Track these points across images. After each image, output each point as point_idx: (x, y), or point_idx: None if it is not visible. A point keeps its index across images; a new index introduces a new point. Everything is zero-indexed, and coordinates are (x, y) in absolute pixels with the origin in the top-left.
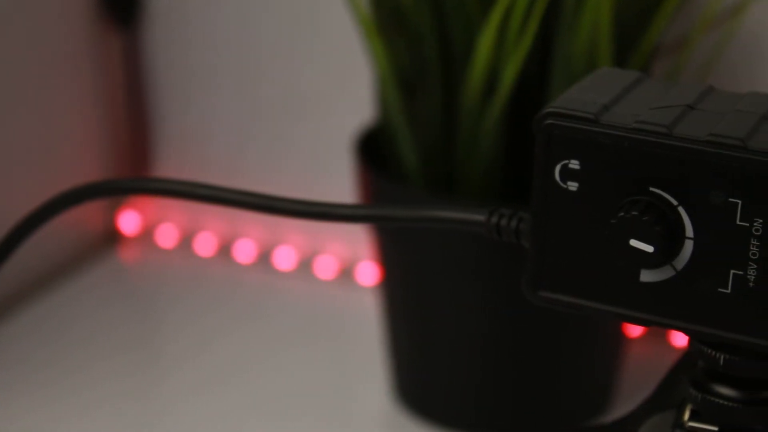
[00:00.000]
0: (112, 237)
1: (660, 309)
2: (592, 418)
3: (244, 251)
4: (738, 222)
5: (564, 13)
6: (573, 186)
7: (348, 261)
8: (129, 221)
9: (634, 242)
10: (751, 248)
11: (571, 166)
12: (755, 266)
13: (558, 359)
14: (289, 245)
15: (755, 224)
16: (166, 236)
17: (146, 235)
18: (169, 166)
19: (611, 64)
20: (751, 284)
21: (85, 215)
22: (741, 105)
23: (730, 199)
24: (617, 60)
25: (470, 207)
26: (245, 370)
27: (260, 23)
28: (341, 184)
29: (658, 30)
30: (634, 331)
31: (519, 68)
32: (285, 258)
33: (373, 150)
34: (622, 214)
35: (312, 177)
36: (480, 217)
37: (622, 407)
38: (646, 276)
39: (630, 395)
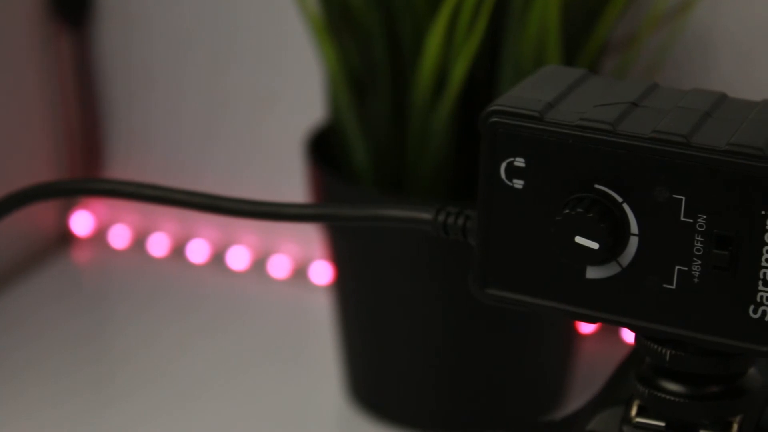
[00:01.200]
0: (64, 238)
1: (606, 305)
2: (545, 414)
3: (198, 252)
4: (682, 218)
5: (512, 11)
6: (518, 184)
7: (302, 260)
8: (81, 222)
9: (579, 239)
10: (696, 244)
11: (516, 163)
12: (699, 262)
13: (511, 357)
14: (243, 245)
15: (699, 220)
16: (119, 237)
17: (99, 235)
18: (122, 167)
19: (560, 61)
20: (695, 280)
21: (37, 216)
22: (684, 102)
23: (674, 196)
24: (566, 58)
25: (417, 205)
26: (197, 370)
27: (212, 24)
28: (297, 184)
29: (606, 28)
30: (587, 327)
31: (468, 66)
32: (239, 258)
33: (325, 149)
34: (567, 211)
35: (268, 176)
36: (427, 216)
37: (575, 404)
38: (592, 273)
39: (583, 392)
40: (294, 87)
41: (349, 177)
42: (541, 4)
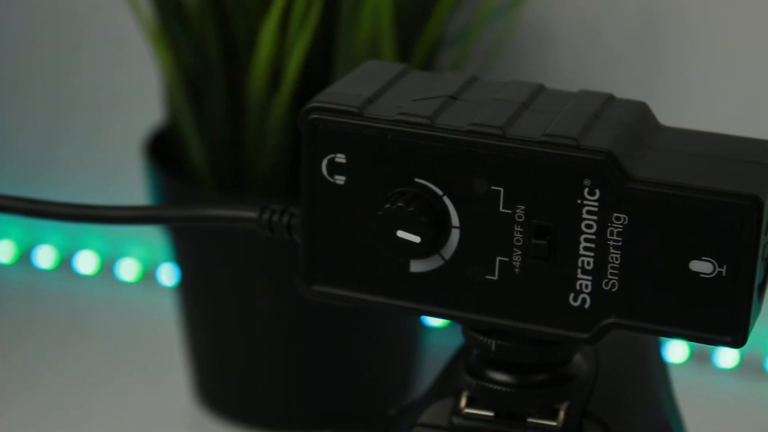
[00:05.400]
0: None
1: (431, 298)
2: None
3: (45, 257)
4: (501, 209)
5: (345, 6)
6: (340, 180)
7: (151, 263)
8: None
9: (400, 233)
10: (515, 235)
11: (337, 160)
12: (519, 252)
13: (355, 354)
14: (90, 250)
15: (518, 211)
16: None
17: None
18: None
19: (394, 55)
20: (516, 270)
21: None
22: (502, 94)
23: (493, 188)
24: (401, 51)
25: (242, 204)
26: (45, 373)
27: (53, 26)
28: (136, 186)
29: (439, 22)
30: (435, 321)
31: (302, 61)
32: (86, 262)
33: (165, 151)
34: (388, 205)
35: (107, 179)
36: (251, 214)
37: None
38: (416, 266)
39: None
40: (134, 88)
41: (188, 178)
42: (373, 0)
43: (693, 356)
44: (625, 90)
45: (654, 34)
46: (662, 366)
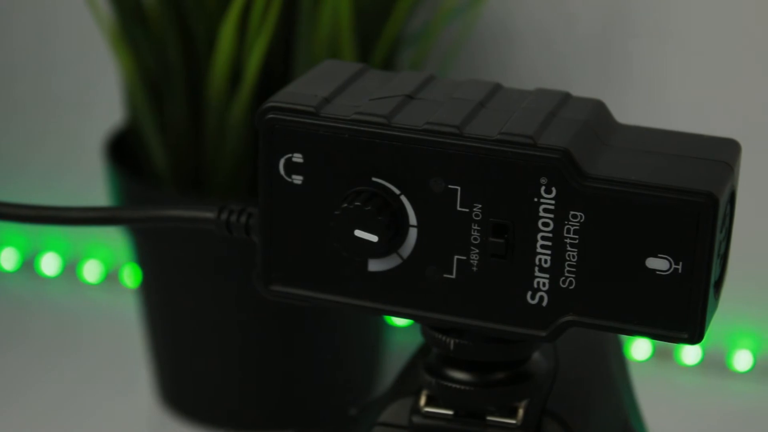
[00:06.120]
0: None
1: (390, 297)
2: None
3: (7, 259)
4: (458, 208)
5: (304, 5)
6: (298, 179)
7: (115, 264)
8: None
9: (358, 233)
10: (473, 233)
11: (294, 159)
12: (477, 251)
13: (314, 353)
14: (53, 251)
15: (475, 209)
16: None
17: None
18: None
19: (354, 54)
20: (474, 269)
21: None
22: (459, 93)
23: (450, 186)
24: (361, 50)
25: (200, 205)
26: (8, 376)
27: (6, 25)
28: (97, 187)
29: (398, 22)
30: (398, 320)
31: (262, 60)
32: (49, 264)
33: (126, 152)
34: (345, 205)
35: (65, 180)
36: (209, 215)
37: None
38: (374, 265)
39: None
40: (95, 90)
41: (149, 179)
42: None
43: (656, 353)
44: (582, 88)
45: (610, 34)
46: (622, 363)
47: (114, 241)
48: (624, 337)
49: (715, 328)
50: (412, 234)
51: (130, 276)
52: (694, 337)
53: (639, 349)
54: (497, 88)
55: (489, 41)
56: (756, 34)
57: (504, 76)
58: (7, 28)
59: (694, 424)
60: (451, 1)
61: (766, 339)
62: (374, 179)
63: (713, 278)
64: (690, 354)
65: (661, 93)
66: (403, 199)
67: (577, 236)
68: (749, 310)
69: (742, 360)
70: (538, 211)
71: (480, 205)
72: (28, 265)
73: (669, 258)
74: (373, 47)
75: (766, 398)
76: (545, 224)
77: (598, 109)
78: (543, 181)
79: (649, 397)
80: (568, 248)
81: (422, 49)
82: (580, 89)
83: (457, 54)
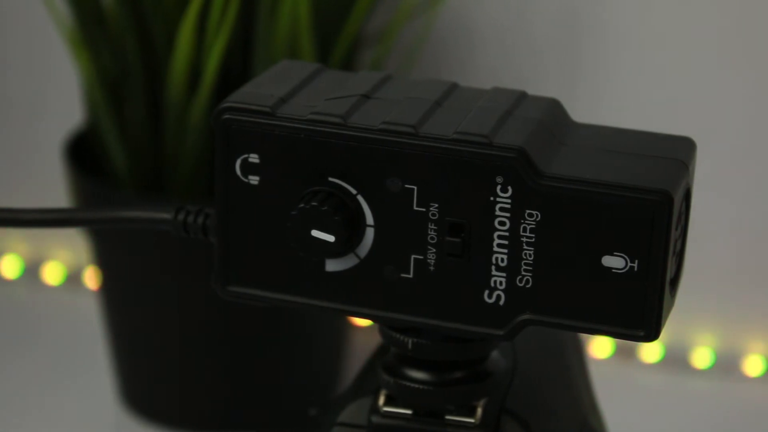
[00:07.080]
0: None
1: (347, 297)
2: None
3: None
4: (415, 207)
5: (263, 4)
6: (254, 180)
7: (76, 266)
8: None
9: (315, 233)
10: (429, 233)
11: (251, 160)
12: (434, 250)
13: (279, 352)
14: (14, 253)
15: (431, 209)
16: None
17: None
18: None
19: (313, 54)
20: (431, 268)
21: None
22: (415, 92)
23: (406, 186)
24: (321, 50)
25: (156, 206)
26: None
27: None
28: (57, 189)
29: (357, 21)
30: (360, 321)
31: (221, 60)
32: (11, 266)
33: (86, 153)
34: (302, 205)
35: (24, 182)
36: (166, 216)
37: None
38: (331, 265)
39: None
40: (54, 90)
41: (109, 180)
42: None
43: (617, 351)
44: (543, 87)
45: (572, 32)
46: (581, 361)
47: (76, 242)
48: (584, 336)
49: (675, 325)
50: (369, 234)
51: (92, 278)
52: (651, 335)
53: (600, 347)
54: (454, 87)
55: (449, 41)
56: (708, 31)
57: (464, 76)
58: None
59: (655, 421)
60: (411, 0)
61: (726, 336)
62: (331, 179)
63: (669, 276)
64: (651, 352)
65: (616, 91)
66: (360, 198)
67: (533, 235)
68: (709, 307)
69: (703, 357)
70: (495, 210)
71: (436, 205)
72: None
73: (625, 256)
74: (333, 47)
75: (727, 395)
76: (501, 223)
77: (554, 107)
78: (499, 180)
79: (610, 395)
80: (525, 247)
81: (383, 48)
82: (542, 88)
83: (417, 53)
